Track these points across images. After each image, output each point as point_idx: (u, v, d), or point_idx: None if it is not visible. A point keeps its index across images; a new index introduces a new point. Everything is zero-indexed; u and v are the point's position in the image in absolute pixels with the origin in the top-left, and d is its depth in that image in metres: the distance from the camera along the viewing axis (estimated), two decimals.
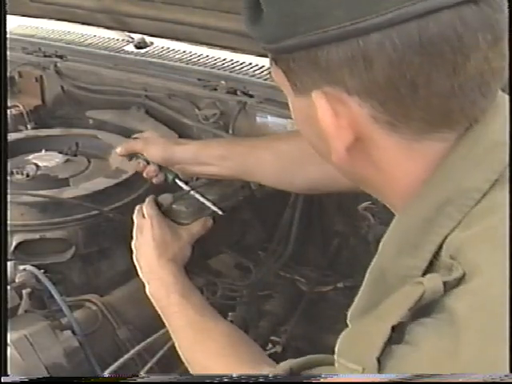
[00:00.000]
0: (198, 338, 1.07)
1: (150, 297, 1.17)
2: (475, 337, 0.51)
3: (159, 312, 1.15)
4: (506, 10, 0.58)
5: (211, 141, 1.47)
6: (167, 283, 1.15)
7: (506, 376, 0.49)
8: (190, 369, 1.06)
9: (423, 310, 0.54)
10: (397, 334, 0.54)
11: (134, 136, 1.40)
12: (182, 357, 1.08)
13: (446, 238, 0.59)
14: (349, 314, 0.66)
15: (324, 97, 0.61)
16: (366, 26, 0.56)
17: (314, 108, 0.62)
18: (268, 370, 0.89)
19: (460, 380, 0.49)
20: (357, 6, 0.56)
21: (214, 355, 1.03)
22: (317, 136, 0.66)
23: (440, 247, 0.59)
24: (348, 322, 0.65)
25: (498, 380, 0.48)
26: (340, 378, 0.56)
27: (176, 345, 1.11)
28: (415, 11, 0.54)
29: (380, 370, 0.52)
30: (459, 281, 0.55)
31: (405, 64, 0.56)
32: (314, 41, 0.59)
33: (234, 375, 0.72)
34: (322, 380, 0.63)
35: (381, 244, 0.67)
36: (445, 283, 0.54)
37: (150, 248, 1.20)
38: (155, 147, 1.29)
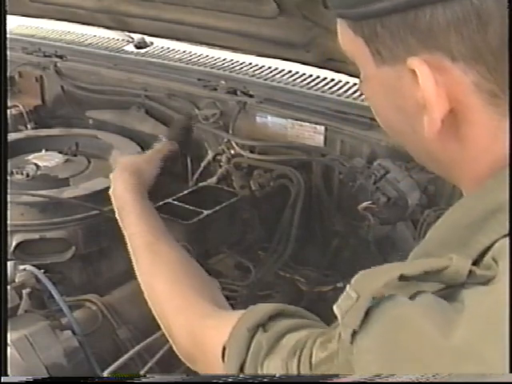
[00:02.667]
0: (153, 261, 1.06)
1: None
2: (472, 332, 0.49)
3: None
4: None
5: None
6: (125, 201, 1.19)
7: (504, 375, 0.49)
8: (144, 291, 1.06)
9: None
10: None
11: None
12: (139, 279, 1.10)
13: (495, 241, 0.55)
14: None
15: (425, 64, 0.55)
16: None
17: (404, 78, 0.57)
18: (211, 307, 0.89)
19: (459, 380, 0.49)
20: None
21: (166, 280, 1.01)
22: (399, 110, 0.61)
23: (488, 249, 0.56)
24: None
25: (499, 380, 0.48)
26: (340, 379, 0.56)
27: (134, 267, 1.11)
28: None
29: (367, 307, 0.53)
30: (487, 281, 0.53)
31: None
32: (415, 1, 0.53)
33: (240, 376, 0.71)
34: (322, 381, 0.63)
35: (431, 231, 0.62)
36: (471, 272, 0.52)
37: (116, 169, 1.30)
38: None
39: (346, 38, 0.61)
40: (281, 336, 0.70)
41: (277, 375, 0.69)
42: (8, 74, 1.92)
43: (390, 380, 0.51)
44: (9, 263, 1.20)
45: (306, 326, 0.72)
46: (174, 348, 0.97)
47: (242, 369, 0.71)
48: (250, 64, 1.89)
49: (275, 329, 0.72)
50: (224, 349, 0.75)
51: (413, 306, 0.52)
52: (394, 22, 0.55)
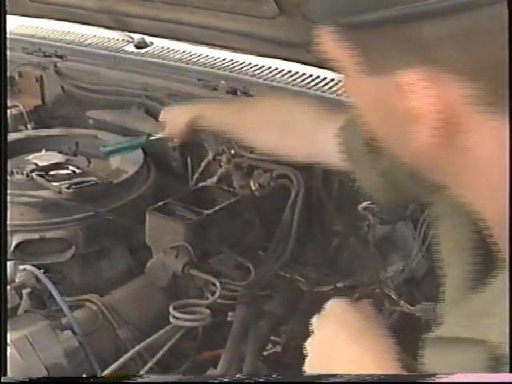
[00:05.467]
0: None
1: None
2: None
3: None
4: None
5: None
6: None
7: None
8: None
9: None
10: None
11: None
12: None
13: None
14: None
15: (417, 77, 0.53)
16: None
17: (392, 89, 0.55)
18: None
19: (462, 380, 0.49)
20: None
21: None
22: (387, 121, 0.59)
23: None
24: None
25: (499, 380, 0.48)
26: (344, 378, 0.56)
27: None
28: None
29: None
30: None
31: None
32: (410, 15, 0.50)
33: (242, 376, 0.71)
34: (323, 380, 0.63)
35: None
36: None
37: None
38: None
39: (330, 46, 0.59)
40: None
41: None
42: (8, 73, 1.92)
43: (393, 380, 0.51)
44: (9, 263, 1.20)
45: None
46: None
47: None
48: (250, 64, 1.88)
49: None
50: None
51: None
52: (386, 34, 0.53)
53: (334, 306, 0.87)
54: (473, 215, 0.62)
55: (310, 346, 0.85)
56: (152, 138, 1.56)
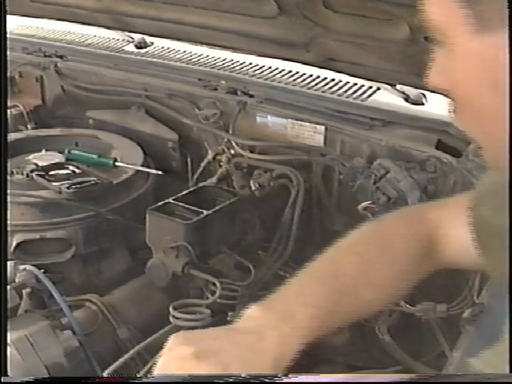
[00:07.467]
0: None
1: None
2: None
3: None
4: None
5: None
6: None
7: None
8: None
9: None
10: None
11: None
12: None
13: None
14: None
15: None
16: None
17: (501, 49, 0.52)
18: None
19: (459, 380, 0.49)
20: None
21: None
22: (497, 87, 0.54)
23: None
24: None
25: (499, 380, 0.48)
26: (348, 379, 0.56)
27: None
28: None
29: None
30: None
31: None
32: None
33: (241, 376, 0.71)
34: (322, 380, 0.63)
35: None
36: None
37: None
38: None
39: (439, 5, 0.56)
40: None
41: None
42: (8, 73, 1.92)
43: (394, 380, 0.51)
44: (9, 263, 1.20)
45: None
46: None
47: None
48: (250, 64, 1.88)
49: None
50: None
51: None
52: None
53: None
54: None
55: None
56: (117, 164, 1.58)
